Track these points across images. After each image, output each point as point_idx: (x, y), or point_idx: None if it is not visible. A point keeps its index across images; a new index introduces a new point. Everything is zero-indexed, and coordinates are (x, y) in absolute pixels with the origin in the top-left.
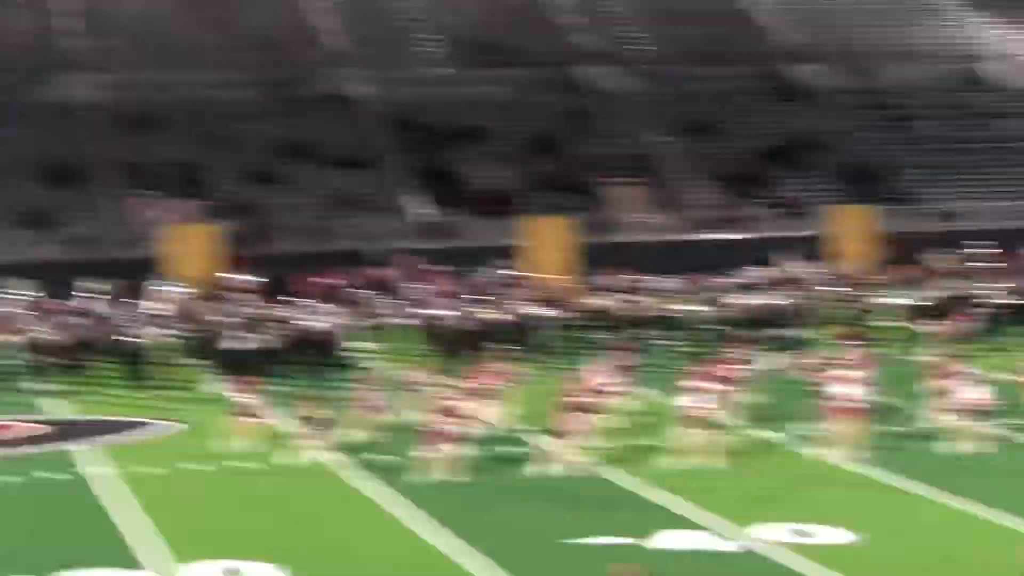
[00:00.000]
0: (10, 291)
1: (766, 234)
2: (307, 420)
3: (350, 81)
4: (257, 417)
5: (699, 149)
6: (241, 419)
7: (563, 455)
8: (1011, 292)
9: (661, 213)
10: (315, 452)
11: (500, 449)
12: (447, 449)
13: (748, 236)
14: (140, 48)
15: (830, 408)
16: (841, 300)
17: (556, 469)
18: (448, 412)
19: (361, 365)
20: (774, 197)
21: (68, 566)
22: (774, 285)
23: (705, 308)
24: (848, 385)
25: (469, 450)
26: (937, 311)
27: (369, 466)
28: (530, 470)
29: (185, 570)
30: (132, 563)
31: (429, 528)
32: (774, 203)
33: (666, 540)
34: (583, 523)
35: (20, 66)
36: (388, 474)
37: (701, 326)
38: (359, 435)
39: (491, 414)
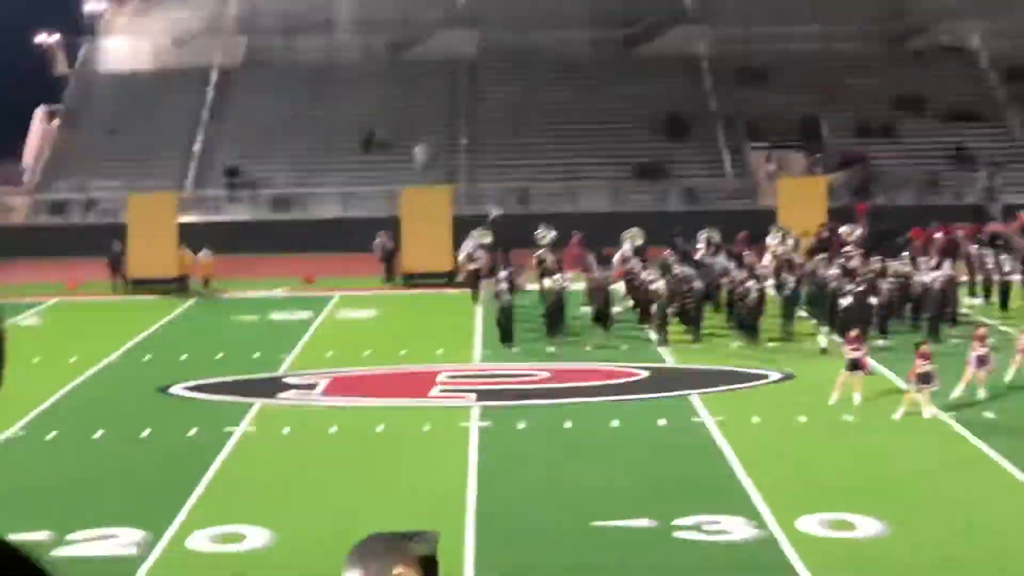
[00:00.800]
0: (623, 240)
1: None
2: (915, 376)
3: (966, 32)
4: (865, 372)
5: None
6: (850, 373)
7: None
8: None
9: None
10: (922, 408)
11: None
12: None
13: None
14: (757, 1)
15: None
16: None
17: None
18: None
19: (972, 321)
20: None
21: (687, 512)
22: None
23: None
24: None
25: None
26: None
27: (977, 424)
28: None
29: (796, 522)
30: (747, 512)
31: None
32: None
33: None
34: None
35: (641, 20)
36: (996, 432)
37: None
38: (969, 392)
39: None
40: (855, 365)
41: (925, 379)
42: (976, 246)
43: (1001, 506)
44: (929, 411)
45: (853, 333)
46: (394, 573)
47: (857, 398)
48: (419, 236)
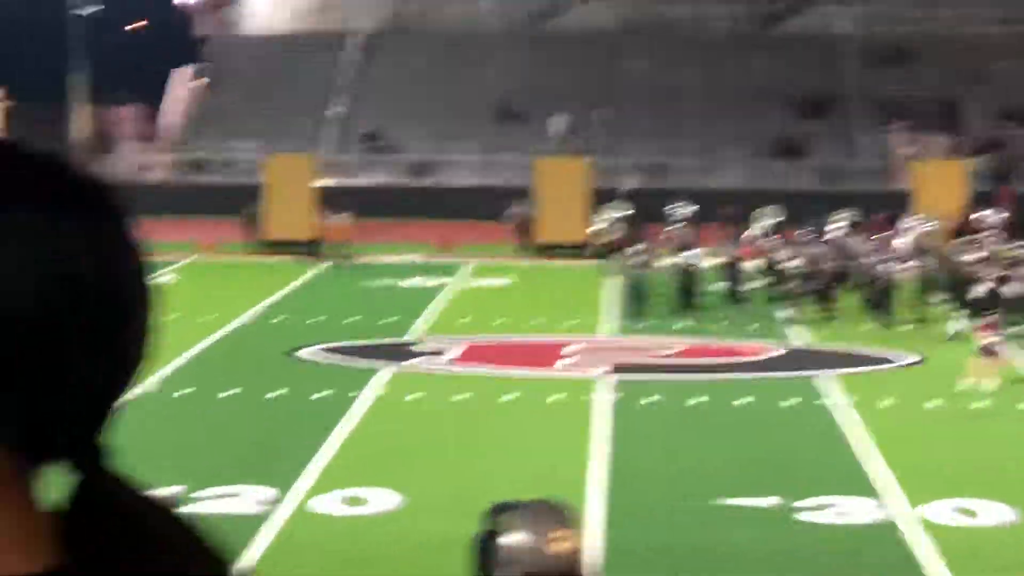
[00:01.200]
0: (757, 218)
1: None
2: None
3: None
4: (999, 359)
5: None
6: (983, 360)
7: None
8: None
9: None
10: None
11: None
12: None
13: None
14: None
15: None
16: None
17: None
18: None
19: None
20: None
21: (811, 493)
22: None
23: None
24: None
25: None
26: None
27: None
28: None
29: (921, 507)
30: (871, 495)
31: None
32: None
33: None
34: None
35: None
36: None
37: None
38: None
39: None
40: (988, 351)
41: None
42: None
43: None
44: None
45: (988, 319)
46: (556, 536)
47: (989, 385)
48: (554, 207)
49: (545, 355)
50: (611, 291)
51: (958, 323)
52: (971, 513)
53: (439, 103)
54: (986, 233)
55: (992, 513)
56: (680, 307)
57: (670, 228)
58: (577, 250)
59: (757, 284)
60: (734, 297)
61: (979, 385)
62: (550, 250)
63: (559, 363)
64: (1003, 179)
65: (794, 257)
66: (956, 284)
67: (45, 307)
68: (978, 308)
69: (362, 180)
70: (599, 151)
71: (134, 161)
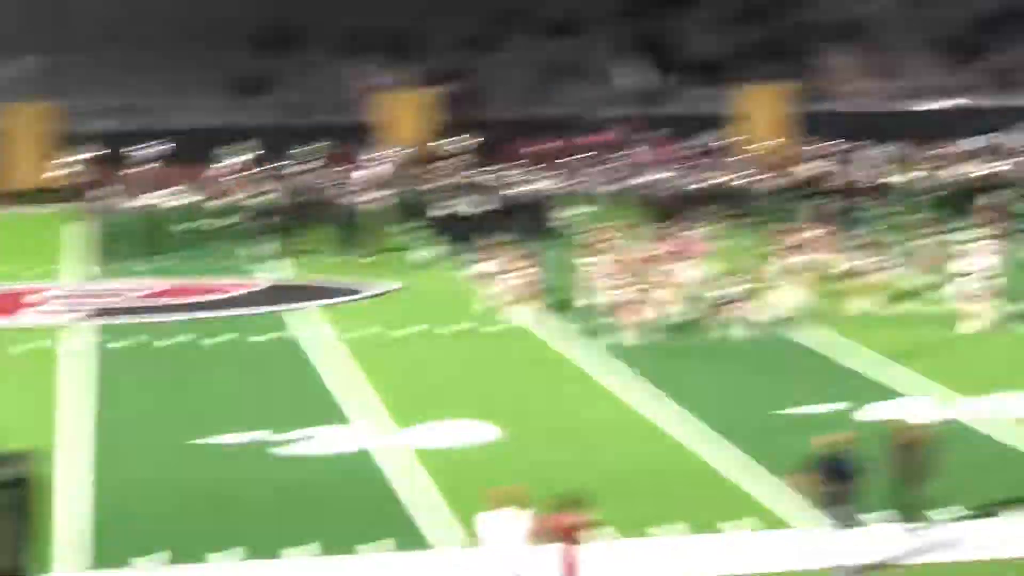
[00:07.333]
0: (223, 155)
1: (984, 103)
2: (515, 281)
3: None
4: (497, 279)
5: (916, 16)
6: (479, 281)
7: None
8: None
9: (876, 81)
10: (522, 314)
11: (701, 311)
12: (649, 312)
13: (966, 105)
14: None
15: None
16: None
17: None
18: (649, 275)
19: (573, 231)
20: (992, 66)
21: (290, 427)
22: (994, 155)
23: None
24: None
25: (672, 313)
26: None
27: (574, 329)
28: (733, 333)
29: (403, 431)
30: (345, 421)
31: (635, 390)
32: (992, 71)
33: (875, 411)
34: (787, 390)
35: None
36: (595, 337)
37: (918, 195)
38: (576, 299)
39: (693, 277)
40: (481, 275)
41: (524, 288)
42: (576, 157)
43: (596, 411)
44: (525, 316)
45: (481, 242)
46: None
47: (468, 306)
48: (19, 153)
49: (6, 305)
50: (78, 236)
51: (428, 248)
52: (455, 433)
53: None
54: (452, 160)
55: (474, 432)
56: (153, 248)
57: (139, 168)
58: (39, 195)
59: (228, 221)
60: (206, 234)
61: (460, 307)
62: (11, 197)
63: (24, 312)
64: (466, 108)
65: (258, 194)
66: (424, 209)
67: None
68: (446, 231)
69: None
70: (70, 94)
71: None
